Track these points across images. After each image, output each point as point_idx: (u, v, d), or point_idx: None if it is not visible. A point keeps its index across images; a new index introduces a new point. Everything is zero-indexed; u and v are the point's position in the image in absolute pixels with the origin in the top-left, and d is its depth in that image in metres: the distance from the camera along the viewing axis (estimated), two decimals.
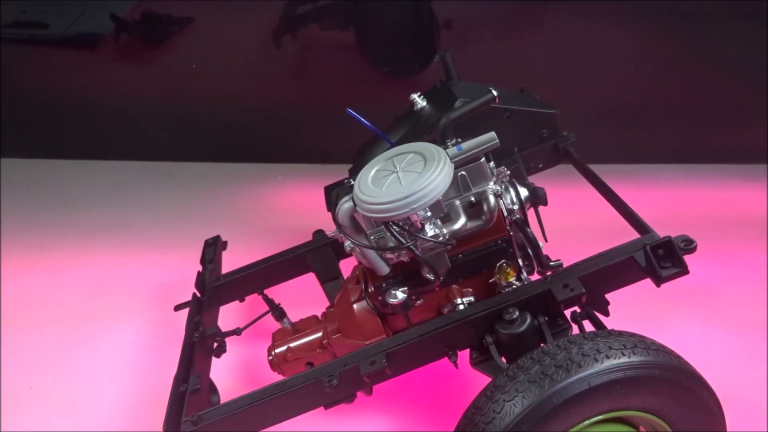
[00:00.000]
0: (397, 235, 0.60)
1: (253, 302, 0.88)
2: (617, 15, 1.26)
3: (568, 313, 0.67)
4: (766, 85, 1.24)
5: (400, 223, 0.61)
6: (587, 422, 0.55)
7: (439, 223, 0.62)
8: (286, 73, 1.47)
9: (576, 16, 1.28)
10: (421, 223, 0.61)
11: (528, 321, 0.62)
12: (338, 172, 0.88)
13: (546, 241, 0.71)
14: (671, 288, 0.66)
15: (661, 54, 1.29)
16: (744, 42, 1.23)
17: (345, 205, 0.62)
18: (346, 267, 0.86)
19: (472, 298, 0.69)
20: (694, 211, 1.14)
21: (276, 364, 0.76)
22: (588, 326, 0.69)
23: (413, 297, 0.67)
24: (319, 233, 0.89)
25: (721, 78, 1.29)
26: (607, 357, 0.54)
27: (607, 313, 0.69)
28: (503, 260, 0.68)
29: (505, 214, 0.67)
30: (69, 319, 1.08)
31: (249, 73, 1.47)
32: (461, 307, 0.67)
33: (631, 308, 0.85)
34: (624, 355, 0.54)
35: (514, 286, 0.66)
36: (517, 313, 0.62)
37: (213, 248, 0.94)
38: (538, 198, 0.70)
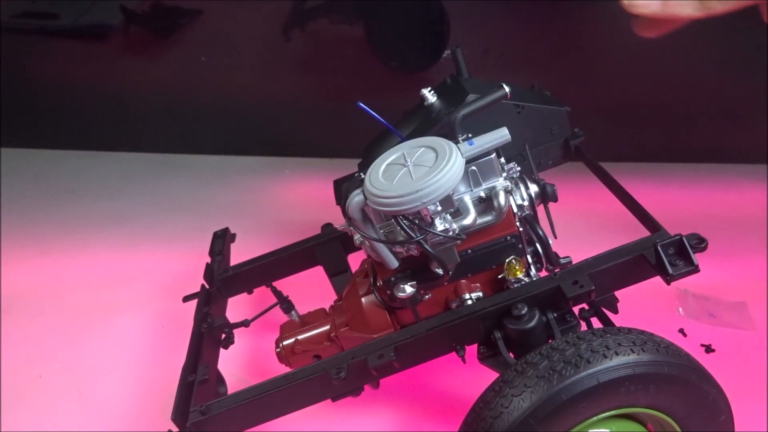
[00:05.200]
0: (407, 229, 0.60)
1: (261, 294, 0.88)
2: (623, 13, 1.26)
3: (576, 310, 0.67)
4: (766, 85, 1.24)
5: (410, 217, 0.61)
6: (595, 418, 0.55)
7: (449, 217, 0.62)
8: (295, 67, 1.47)
9: (585, 13, 1.27)
10: (431, 217, 0.61)
11: (537, 317, 0.62)
12: (346, 167, 0.88)
13: (555, 237, 0.71)
14: (672, 286, 0.66)
15: (664, 53, 1.28)
16: (745, 41, 1.23)
17: (355, 198, 0.62)
18: (355, 261, 0.86)
19: (480, 294, 0.68)
20: (693, 209, 1.13)
21: (284, 356, 0.76)
22: (596, 324, 0.69)
23: (422, 291, 0.67)
24: (327, 226, 0.90)
25: (721, 77, 1.28)
26: (616, 354, 0.53)
27: (616, 311, 0.69)
28: (512, 256, 0.67)
29: (515, 210, 0.67)
30: (78, 309, 1.08)
31: (258, 66, 1.47)
32: (470, 302, 0.67)
33: (640, 305, 0.85)
34: (633, 352, 0.54)
35: (523, 282, 0.66)
36: (525, 309, 0.62)
37: (221, 240, 0.94)
38: (547, 194, 0.70)
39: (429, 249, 0.62)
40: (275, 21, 1.40)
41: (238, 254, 0.93)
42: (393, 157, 0.63)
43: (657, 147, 1.34)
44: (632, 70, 1.30)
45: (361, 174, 0.65)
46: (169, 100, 1.55)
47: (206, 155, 1.55)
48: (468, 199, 0.64)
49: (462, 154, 0.61)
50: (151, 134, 1.60)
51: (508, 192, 0.65)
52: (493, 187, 0.65)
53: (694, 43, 1.25)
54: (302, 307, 0.81)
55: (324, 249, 0.88)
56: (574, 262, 0.67)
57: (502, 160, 0.67)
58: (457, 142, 0.63)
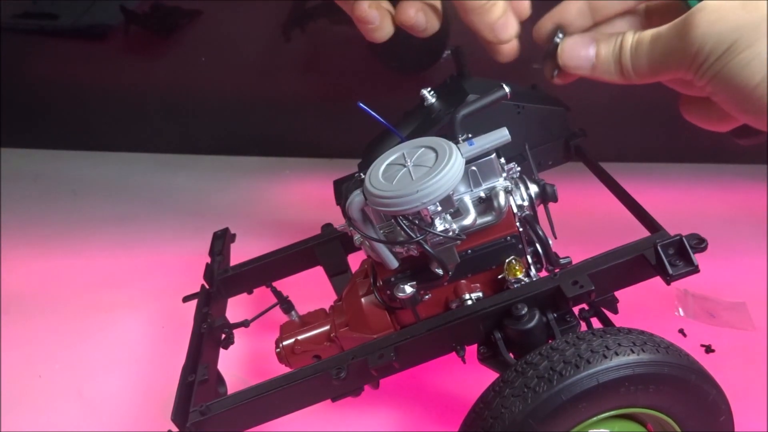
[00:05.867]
0: (407, 229, 0.60)
1: (261, 294, 0.88)
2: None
3: (576, 310, 0.67)
4: None
5: (410, 218, 0.61)
6: (595, 419, 0.55)
7: (449, 217, 0.62)
8: (294, 67, 1.47)
9: None
10: (431, 217, 0.61)
11: (537, 317, 0.62)
12: (346, 167, 0.88)
13: (555, 237, 0.71)
14: (672, 286, 0.66)
15: None
16: None
17: (355, 198, 0.62)
18: (355, 261, 0.86)
19: (480, 294, 0.69)
20: (693, 209, 1.13)
21: (284, 356, 0.76)
22: (596, 324, 0.69)
23: (422, 291, 0.67)
24: (327, 227, 0.90)
25: None
26: (616, 354, 0.54)
27: (616, 311, 0.69)
28: (512, 256, 0.67)
29: (515, 210, 0.67)
30: (78, 309, 1.08)
31: (258, 66, 1.47)
32: (469, 302, 0.67)
33: (640, 306, 0.85)
34: (633, 352, 0.54)
35: (523, 283, 0.66)
36: (525, 309, 0.62)
37: (221, 240, 0.94)
38: (547, 195, 0.70)
39: (429, 249, 0.62)
40: (275, 21, 1.40)
41: (238, 254, 0.93)
42: (393, 157, 0.63)
43: (657, 147, 1.34)
44: None
45: (361, 174, 0.65)
46: (169, 100, 1.55)
47: (206, 155, 1.55)
48: (468, 200, 0.64)
49: (462, 155, 0.61)
50: (151, 134, 1.60)
51: (508, 192, 0.65)
52: (493, 188, 0.65)
53: None
54: (302, 307, 0.81)
55: (324, 249, 0.88)
56: (574, 262, 0.67)
57: (502, 160, 0.67)
58: (457, 143, 0.63)
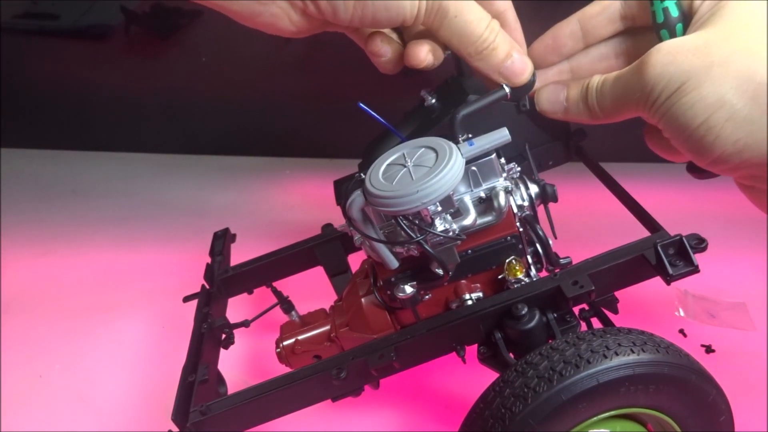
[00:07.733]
0: (407, 230, 0.60)
1: (262, 295, 0.88)
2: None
3: (576, 310, 0.67)
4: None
5: (411, 218, 0.61)
6: (595, 418, 0.55)
7: (449, 218, 0.62)
8: (294, 67, 1.47)
9: None
10: (431, 217, 0.61)
11: (537, 317, 0.62)
12: (347, 167, 0.88)
13: (555, 237, 0.71)
14: (672, 286, 0.66)
15: None
16: None
17: (356, 198, 0.62)
18: (355, 261, 0.86)
19: (480, 294, 0.69)
20: (693, 209, 1.13)
21: (284, 356, 0.76)
22: (596, 324, 0.69)
23: (422, 292, 0.67)
24: (328, 227, 0.90)
25: None
26: (616, 354, 0.54)
27: (616, 311, 0.69)
28: (512, 256, 0.67)
29: (515, 210, 0.67)
30: (78, 309, 1.08)
31: (258, 66, 1.47)
32: (470, 302, 0.67)
33: (640, 306, 0.85)
34: (633, 352, 0.54)
35: (523, 283, 0.66)
36: (525, 309, 0.62)
37: (222, 240, 0.94)
38: (547, 195, 0.70)
39: (429, 249, 0.62)
40: None
41: (239, 254, 0.93)
42: (393, 157, 0.63)
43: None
44: None
45: (361, 174, 0.65)
46: (169, 100, 1.55)
47: (206, 155, 1.55)
48: (468, 200, 0.64)
49: (462, 155, 0.61)
50: (151, 134, 1.60)
51: (509, 192, 0.65)
52: (493, 188, 0.65)
53: None
54: (302, 308, 0.81)
55: (324, 249, 0.88)
56: (574, 263, 0.67)
57: (503, 160, 0.67)
58: (457, 143, 0.63)
